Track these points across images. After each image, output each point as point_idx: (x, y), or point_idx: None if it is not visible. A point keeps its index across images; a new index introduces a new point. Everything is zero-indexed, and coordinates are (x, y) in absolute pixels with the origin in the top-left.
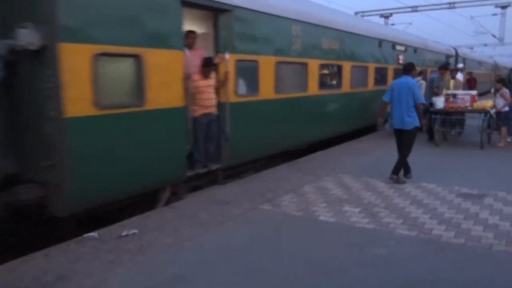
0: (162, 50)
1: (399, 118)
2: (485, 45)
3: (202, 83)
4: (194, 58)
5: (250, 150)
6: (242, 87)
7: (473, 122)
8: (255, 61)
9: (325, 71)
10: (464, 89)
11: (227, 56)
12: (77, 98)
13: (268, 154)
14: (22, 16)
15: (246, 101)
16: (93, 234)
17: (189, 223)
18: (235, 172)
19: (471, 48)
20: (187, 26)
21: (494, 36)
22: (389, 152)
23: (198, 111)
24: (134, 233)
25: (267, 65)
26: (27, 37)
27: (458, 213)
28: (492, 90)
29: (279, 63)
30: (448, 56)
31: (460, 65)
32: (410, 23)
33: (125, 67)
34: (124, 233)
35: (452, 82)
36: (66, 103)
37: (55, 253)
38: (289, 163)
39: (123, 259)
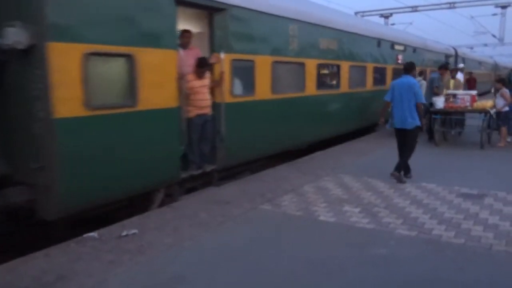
0: (155, 50)
1: (400, 117)
2: (485, 45)
3: (197, 83)
4: (188, 57)
5: (246, 151)
6: (238, 87)
7: (473, 122)
8: (252, 61)
9: (323, 71)
10: (463, 89)
11: (223, 55)
12: (66, 98)
13: (265, 155)
14: (10, 15)
15: (242, 101)
16: (93, 234)
17: (189, 223)
18: (230, 173)
19: (471, 48)
20: (182, 25)
21: (494, 36)
22: (389, 152)
23: (193, 112)
24: (134, 233)
25: (263, 65)
26: (15, 36)
27: (458, 213)
28: (492, 90)
29: (276, 63)
30: (447, 56)
31: (461, 65)
32: (411, 23)
33: (116, 67)
34: (124, 233)
35: (452, 82)
36: (55, 104)
37: (55, 253)
38: (289, 163)
39: (123, 259)
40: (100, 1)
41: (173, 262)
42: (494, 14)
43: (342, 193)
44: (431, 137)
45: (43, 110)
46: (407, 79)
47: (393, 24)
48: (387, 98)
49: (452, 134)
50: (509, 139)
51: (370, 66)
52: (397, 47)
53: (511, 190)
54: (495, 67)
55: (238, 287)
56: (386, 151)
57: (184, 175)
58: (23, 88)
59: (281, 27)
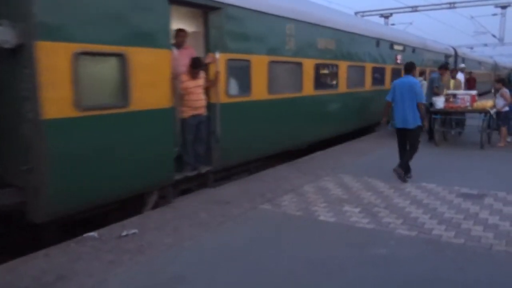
0: (148, 49)
1: (401, 117)
2: (485, 45)
3: (191, 83)
4: (183, 57)
5: (242, 152)
6: (234, 87)
7: (473, 122)
8: (247, 61)
9: (321, 71)
10: (463, 89)
11: (218, 55)
12: (56, 99)
13: (262, 156)
14: None
15: (237, 101)
16: (93, 234)
17: (189, 223)
18: (227, 174)
19: (471, 48)
20: (177, 24)
21: (494, 36)
22: (389, 152)
23: (187, 112)
24: (134, 233)
25: (260, 64)
26: (2, 35)
27: (458, 213)
28: (492, 90)
29: (272, 62)
30: (447, 56)
31: (462, 65)
32: (411, 23)
33: (108, 67)
34: (124, 233)
35: (452, 82)
36: (44, 104)
37: (55, 253)
38: (289, 163)
39: (123, 259)
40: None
41: (173, 262)
42: (494, 14)
43: (342, 193)
44: (431, 137)
45: (32, 111)
46: (408, 79)
47: (393, 24)
48: (388, 98)
49: (452, 134)
50: (509, 139)
51: (368, 66)
52: (396, 47)
53: (511, 190)
54: (495, 67)
55: (238, 287)
56: (386, 151)
57: (178, 176)
58: (12, 88)
59: (278, 26)
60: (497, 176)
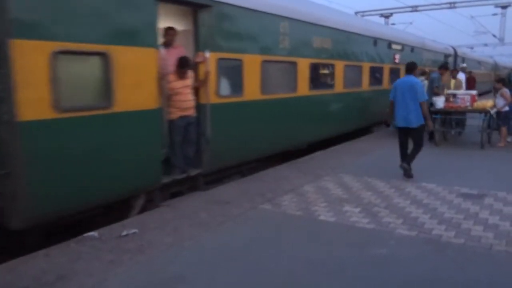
0: (133, 48)
1: (402, 116)
2: (485, 45)
3: (178, 84)
4: (171, 56)
5: (234, 153)
6: (225, 88)
7: (473, 122)
8: (239, 60)
9: (316, 71)
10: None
11: (208, 54)
12: (32, 100)
13: (255, 158)
14: None
15: (228, 102)
16: (93, 233)
17: (189, 223)
18: (219, 177)
19: (471, 48)
20: (165, 22)
21: (494, 36)
22: (389, 152)
23: (175, 114)
24: (134, 233)
25: (252, 64)
26: None
27: (458, 213)
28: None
29: (265, 62)
30: (446, 56)
31: (463, 65)
32: (411, 23)
33: (90, 66)
34: (124, 233)
35: (453, 82)
36: (20, 106)
37: (55, 253)
38: (289, 163)
39: (123, 258)
40: None
41: (173, 262)
42: (494, 14)
43: (342, 193)
44: (431, 137)
45: (7, 113)
46: (409, 78)
47: (393, 24)
48: (391, 97)
49: (452, 134)
50: (509, 139)
51: (366, 66)
52: (394, 46)
53: (511, 190)
54: (495, 67)
55: (238, 287)
56: (386, 151)
57: (166, 179)
58: None
59: (271, 25)
60: (497, 176)
